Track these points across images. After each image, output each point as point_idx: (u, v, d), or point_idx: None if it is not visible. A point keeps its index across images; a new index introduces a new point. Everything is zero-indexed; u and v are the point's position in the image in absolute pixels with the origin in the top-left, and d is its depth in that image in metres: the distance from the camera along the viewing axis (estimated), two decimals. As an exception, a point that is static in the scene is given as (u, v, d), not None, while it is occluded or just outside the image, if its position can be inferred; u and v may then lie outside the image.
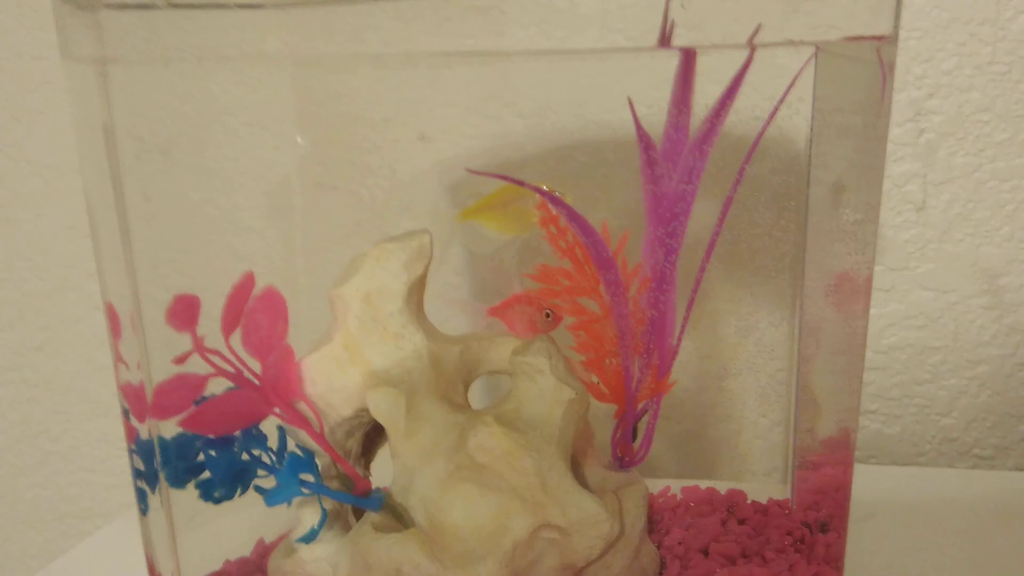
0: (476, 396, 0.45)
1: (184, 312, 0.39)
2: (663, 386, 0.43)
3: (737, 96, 0.40)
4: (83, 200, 0.42)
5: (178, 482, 0.40)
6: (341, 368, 0.40)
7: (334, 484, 0.41)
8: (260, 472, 0.40)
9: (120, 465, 0.78)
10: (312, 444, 0.41)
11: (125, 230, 0.39)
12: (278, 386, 0.40)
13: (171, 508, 0.42)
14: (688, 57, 0.39)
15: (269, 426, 0.41)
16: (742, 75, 0.39)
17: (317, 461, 0.41)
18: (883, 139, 0.40)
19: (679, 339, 0.43)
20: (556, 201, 0.41)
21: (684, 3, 0.38)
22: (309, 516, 0.40)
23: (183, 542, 0.43)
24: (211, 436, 0.40)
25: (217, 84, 0.47)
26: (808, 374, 0.47)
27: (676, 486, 0.51)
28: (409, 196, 0.51)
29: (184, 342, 0.39)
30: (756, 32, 0.37)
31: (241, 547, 0.46)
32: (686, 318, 0.43)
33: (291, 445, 0.41)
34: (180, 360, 0.39)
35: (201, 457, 0.40)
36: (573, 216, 0.40)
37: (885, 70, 0.39)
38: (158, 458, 0.40)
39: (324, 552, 0.40)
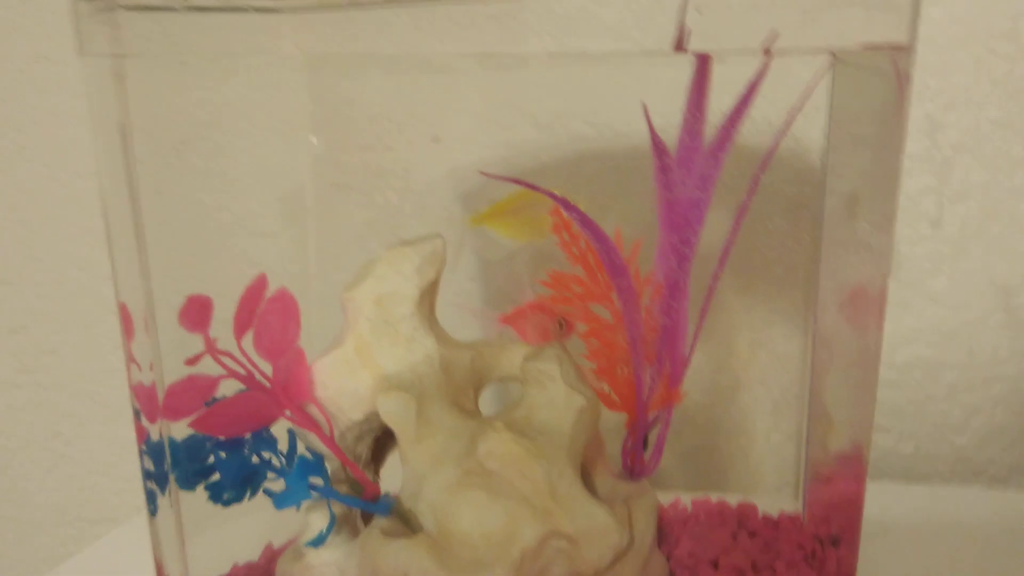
0: (488, 403, 0.45)
1: (197, 313, 0.39)
2: (675, 396, 0.43)
3: (752, 105, 0.40)
4: (98, 204, 0.42)
5: (188, 484, 0.41)
6: (352, 372, 0.40)
7: (343, 488, 0.41)
8: (270, 475, 0.40)
9: (131, 469, 0.78)
10: (322, 448, 0.40)
11: (140, 230, 0.40)
12: (289, 389, 0.40)
13: (180, 510, 0.42)
14: (703, 63, 0.39)
15: (279, 429, 0.41)
16: (758, 82, 0.39)
17: (327, 465, 0.40)
18: (899, 150, 0.40)
19: (691, 348, 0.42)
20: (569, 207, 0.41)
21: (700, 9, 0.38)
22: (318, 520, 0.40)
23: (192, 545, 0.43)
24: (221, 438, 0.40)
25: (232, 87, 0.47)
26: (821, 388, 0.47)
27: (686, 498, 0.51)
28: (422, 201, 0.51)
29: (196, 343, 0.39)
30: (772, 39, 0.37)
31: (249, 551, 0.46)
32: (699, 327, 0.42)
33: (301, 448, 0.41)
34: (192, 361, 0.39)
35: (211, 459, 0.40)
36: (586, 222, 0.40)
37: (902, 80, 0.39)
38: (168, 459, 0.40)
39: (332, 557, 0.40)
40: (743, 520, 0.48)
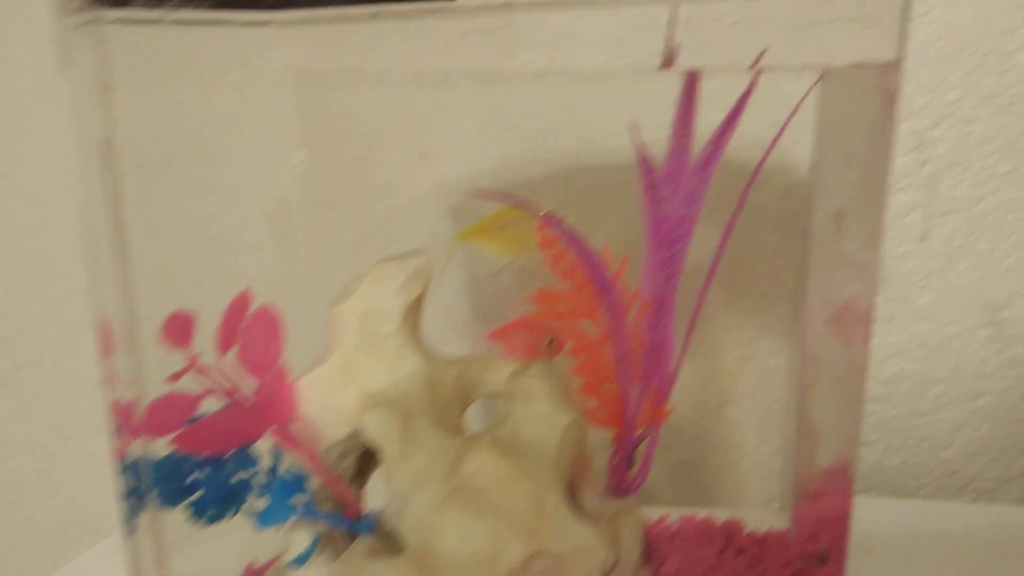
0: (478, 416, 0.44)
1: (179, 330, 0.38)
2: (661, 413, 0.43)
3: (740, 121, 0.39)
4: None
5: (169, 502, 0.40)
6: (336, 389, 0.40)
7: (327, 507, 0.41)
8: (252, 493, 0.40)
9: (115, 482, 0.78)
10: (305, 466, 0.40)
11: (120, 245, 0.39)
12: (272, 406, 0.39)
13: (161, 529, 0.41)
14: (691, 80, 0.39)
15: (262, 447, 0.40)
16: (745, 100, 0.38)
17: (310, 483, 0.40)
18: (886, 167, 0.40)
19: (678, 365, 0.42)
20: (556, 224, 0.40)
21: (687, 28, 0.38)
22: (300, 539, 0.40)
23: (172, 564, 0.43)
24: (203, 456, 0.39)
25: (219, 101, 0.47)
26: (808, 403, 0.47)
27: (674, 514, 0.51)
28: (410, 216, 0.51)
29: (179, 359, 0.38)
30: (760, 57, 0.37)
31: (231, 571, 0.46)
32: (685, 344, 0.42)
33: (284, 466, 0.41)
34: (175, 378, 0.38)
35: (193, 477, 0.40)
36: (573, 239, 0.40)
37: (889, 98, 0.39)
38: (148, 477, 0.40)
39: (315, 576, 0.40)
40: (730, 537, 0.48)
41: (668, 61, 0.39)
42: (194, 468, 0.39)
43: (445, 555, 0.37)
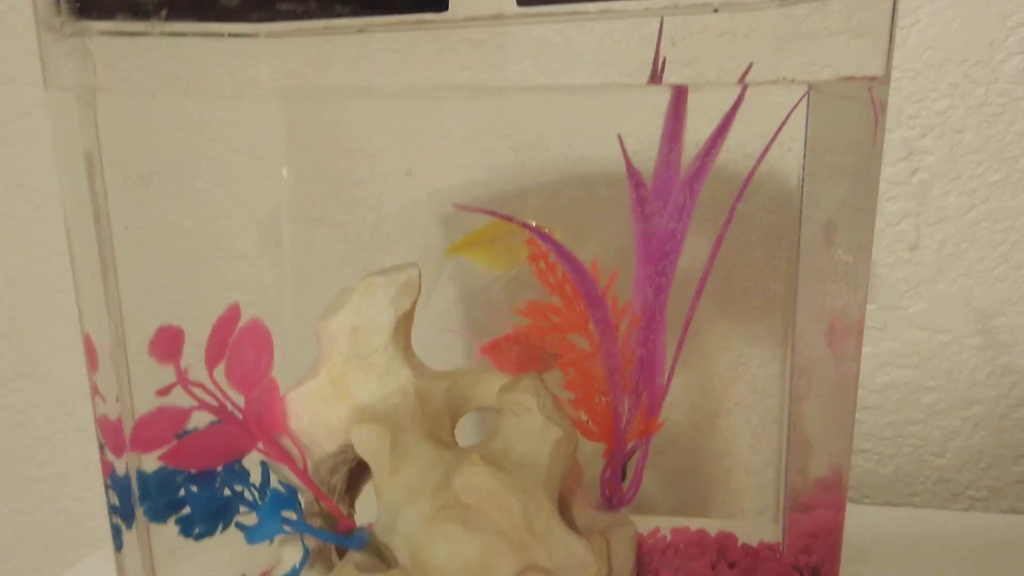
0: (472, 430, 0.44)
1: (167, 344, 0.38)
2: (652, 426, 0.43)
3: (729, 134, 0.39)
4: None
5: (158, 517, 0.40)
6: (326, 403, 0.39)
7: (317, 522, 0.41)
8: (242, 508, 0.40)
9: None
10: (295, 480, 0.40)
11: (105, 260, 0.39)
12: (262, 420, 0.39)
13: (150, 544, 0.41)
14: (679, 94, 0.39)
15: (252, 461, 0.40)
16: (733, 113, 0.39)
17: (300, 498, 0.40)
18: (875, 179, 0.40)
19: (669, 379, 0.42)
20: (545, 237, 0.40)
21: (675, 40, 0.38)
22: (291, 554, 0.39)
23: (161, 580, 0.42)
24: (193, 471, 0.39)
25: (209, 111, 0.47)
26: (800, 414, 0.47)
27: (667, 525, 0.51)
28: (400, 228, 0.51)
29: (168, 374, 0.38)
30: (747, 71, 0.37)
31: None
32: (676, 357, 0.42)
33: (274, 481, 0.40)
34: (163, 392, 0.38)
35: (182, 492, 0.39)
36: (562, 252, 0.40)
37: (877, 110, 0.39)
38: (136, 493, 0.39)
39: (305, 591, 0.40)
40: (723, 550, 0.48)
41: (656, 77, 0.39)
42: (183, 483, 0.39)
43: (436, 570, 0.37)
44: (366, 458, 0.38)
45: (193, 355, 0.39)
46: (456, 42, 0.42)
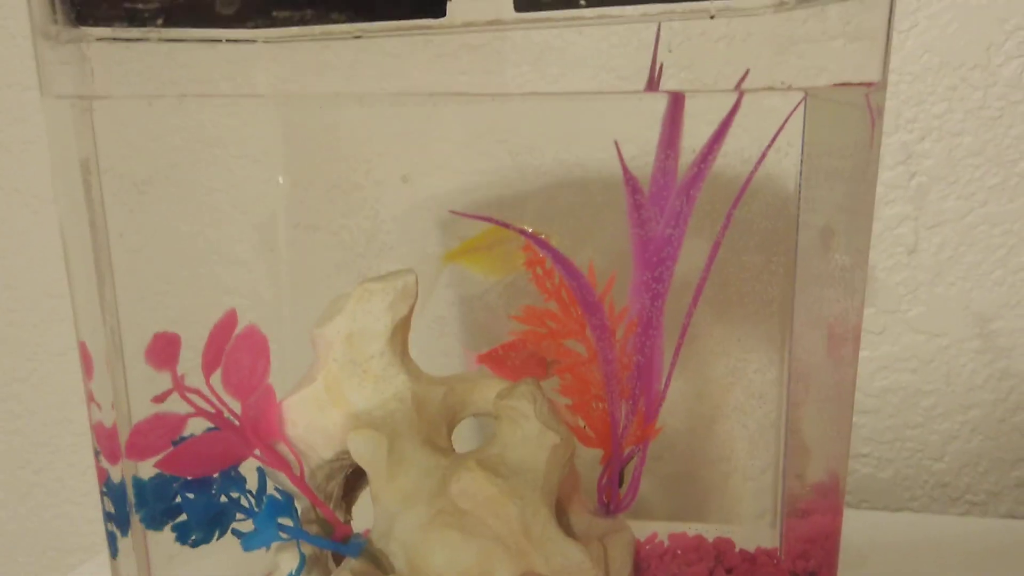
0: (469, 436, 0.44)
1: (163, 350, 0.38)
2: (650, 431, 0.43)
3: (726, 139, 0.39)
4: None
5: (155, 524, 0.40)
6: (322, 409, 0.39)
7: (313, 528, 0.41)
8: (238, 515, 0.40)
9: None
10: (291, 487, 0.40)
11: (101, 267, 0.39)
12: (258, 427, 0.39)
13: (147, 551, 0.41)
14: (676, 100, 0.39)
15: (248, 468, 0.40)
16: (730, 120, 0.38)
17: (296, 504, 0.40)
18: (872, 184, 0.40)
19: (666, 384, 0.42)
20: (541, 243, 0.40)
21: (672, 46, 0.38)
22: (287, 561, 0.39)
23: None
24: (189, 477, 0.39)
25: (206, 117, 0.47)
26: (798, 419, 0.47)
27: (664, 530, 0.51)
28: (397, 234, 0.51)
29: (164, 380, 0.38)
30: (744, 78, 0.37)
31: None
32: (673, 363, 0.42)
33: (270, 488, 0.40)
34: (159, 399, 0.38)
35: (178, 499, 0.39)
36: (559, 258, 0.40)
37: (874, 116, 0.39)
38: (132, 499, 0.39)
39: (302, 598, 0.39)
40: (720, 555, 0.48)
41: (653, 83, 0.39)
42: (179, 490, 0.39)
43: (433, 576, 0.37)
44: (362, 464, 0.38)
45: (189, 361, 0.38)
46: (454, 47, 0.42)
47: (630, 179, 0.39)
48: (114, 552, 0.41)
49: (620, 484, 0.44)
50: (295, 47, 0.43)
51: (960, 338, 0.63)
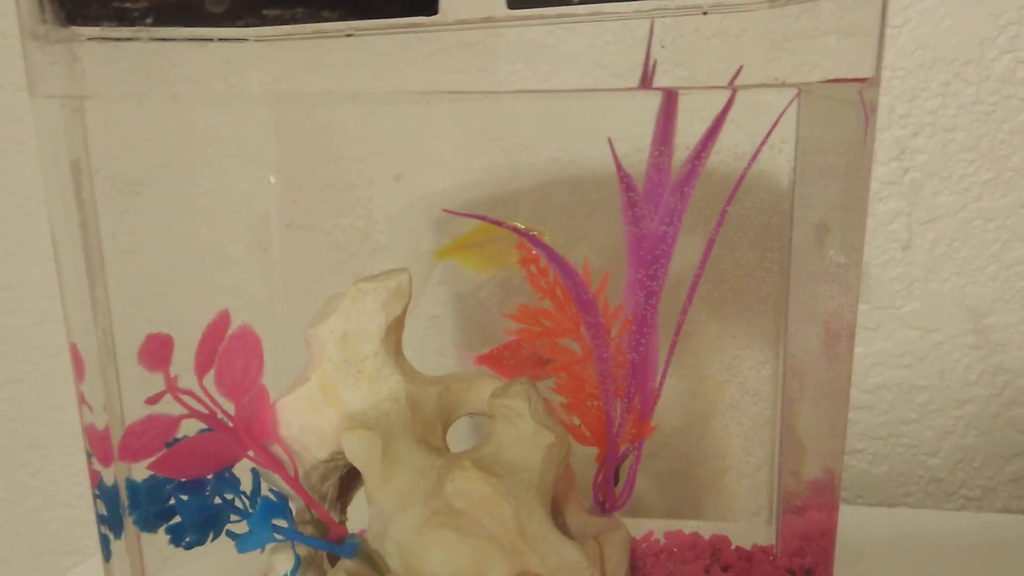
0: (465, 436, 0.44)
1: (156, 352, 0.38)
2: (645, 429, 0.43)
3: (719, 136, 0.39)
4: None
5: (148, 526, 0.40)
6: (316, 410, 0.39)
7: (308, 529, 0.40)
8: (232, 517, 0.40)
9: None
10: (286, 488, 0.40)
11: (93, 268, 0.39)
12: (252, 428, 0.39)
13: (140, 553, 0.41)
14: (670, 97, 0.39)
15: (242, 469, 0.40)
16: (723, 117, 0.38)
17: (291, 505, 0.40)
18: (866, 180, 0.40)
19: (661, 382, 0.42)
20: (535, 241, 0.40)
21: (665, 42, 0.38)
22: (282, 562, 0.39)
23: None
24: (183, 479, 0.39)
25: (198, 116, 0.46)
26: (793, 416, 0.47)
27: (660, 528, 0.51)
28: (390, 233, 0.51)
29: (157, 382, 0.38)
30: (737, 74, 0.37)
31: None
32: (668, 361, 0.42)
33: (265, 489, 0.40)
34: (152, 401, 0.38)
35: (172, 501, 0.39)
36: (553, 256, 0.40)
37: (868, 112, 0.39)
38: (125, 501, 0.39)
39: (297, 599, 0.39)
40: (716, 553, 0.48)
41: (647, 79, 0.38)
42: (173, 492, 0.39)
43: (428, 576, 0.37)
44: (357, 465, 0.38)
45: (183, 362, 0.38)
46: (447, 45, 0.42)
47: (624, 176, 0.39)
48: (107, 555, 0.41)
49: (616, 482, 0.44)
50: (287, 46, 0.43)
51: (954, 334, 0.63)
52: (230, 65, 0.43)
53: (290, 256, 0.50)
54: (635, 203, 0.39)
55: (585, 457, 0.43)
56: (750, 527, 0.51)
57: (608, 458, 0.43)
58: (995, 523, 0.59)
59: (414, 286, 0.40)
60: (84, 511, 0.78)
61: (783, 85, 0.38)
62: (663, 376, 0.42)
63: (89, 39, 0.37)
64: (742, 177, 0.40)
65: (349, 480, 0.42)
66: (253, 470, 0.40)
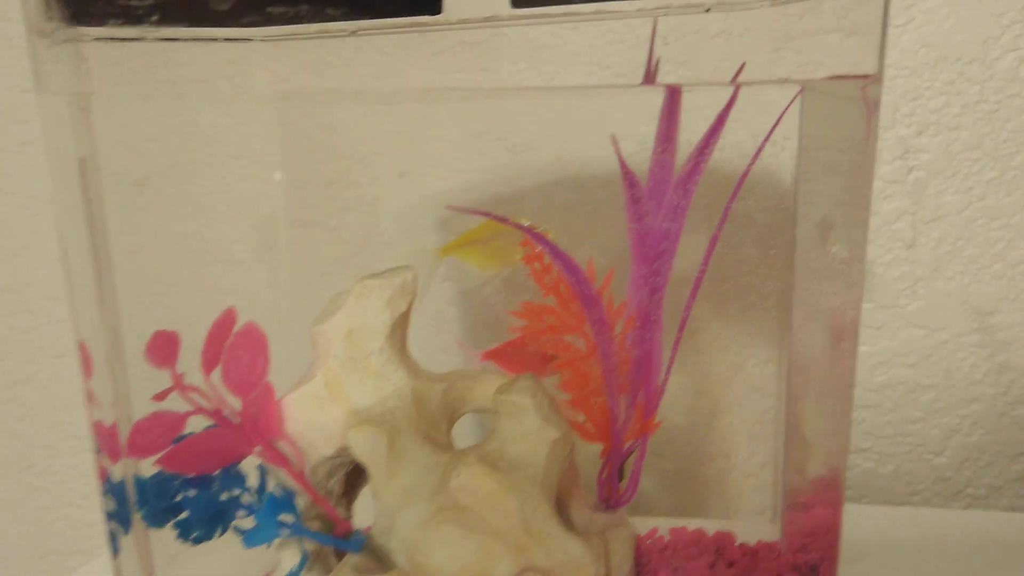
0: (470, 432, 0.44)
1: (163, 349, 0.38)
2: (649, 426, 0.43)
3: (723, 133, 0.39)
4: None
5: (156, 522, 0.40)
6: (322, 406, 0.39)
7: (314, 525, 0.41)
8: (239, 512, 0.40)
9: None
10: (292, 484, 0.40)
11: (100, 266, 0.39)
12: (258, 424, 0.39)
13: (149, 548, 0.41)
14: (673, 94, 0.39)
15: (249, 465, 0.40)
16: (726, 114, 0.39)
17: (297, 501, 0.40)
18: (869, 177, 0.40)
19: (666, 379, 0.42)
20: (539, 238, 0.40)
21: (668, 40, 0.38)
22: (289, 558, 0.39)
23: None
24: (190, 475, 0.39)
25: (204, 115, 0.47)
26: (797, 413, 0.47)
27: (664, 525, 0.51)
28: (395, 231, 0.51)
29: (164, 379, 0.38)
30: (740, 71, 0.37)
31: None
32: (672, 358, 0.42)
33: (271, 485, 0.40)
34: (160, 397, 0.38)
35: (179, 497, 0.39)
36: (556, 253, 0.40)
37: (870, 109, 0.39)
38: (133, 497, 0.39)
39: (303, 595, 0.39)
40: (721, 549, 0.48)
41: (650, 77, 0.39)
42: (180, 488, 0.39)
43: (434, 572, 0.37)
44: (363, 461, 0.38)
45: (189, 359, 0.39)
46: (450, 44, 0.42)
47: (628, 174, 0.39)
48: (115, 550, 0.41)
49: (620, 479, 0.44)
50: (292, 46, 0.43)
51: (959, 332, 0.63)
52: (235, 65, 0.43)
53: (295, 254, 0.50)
54: (639, 200, 0.39)
55: (590, 453, 0.43)
56: (754, 525, 0.51)
57: (612, 454, 0.43)
58: (1001, 521, 0.59)
59: (419, 283, 0.40)
60: (90, 511, 0.78)
61: (786, 82, 0.38)
62: (667, 372, 0.42)
63: (95, 39, 0.37)
64: (745, 174, 0.40)
65: (355, 476, 0.43)
66: (260, 466, 0.40)
